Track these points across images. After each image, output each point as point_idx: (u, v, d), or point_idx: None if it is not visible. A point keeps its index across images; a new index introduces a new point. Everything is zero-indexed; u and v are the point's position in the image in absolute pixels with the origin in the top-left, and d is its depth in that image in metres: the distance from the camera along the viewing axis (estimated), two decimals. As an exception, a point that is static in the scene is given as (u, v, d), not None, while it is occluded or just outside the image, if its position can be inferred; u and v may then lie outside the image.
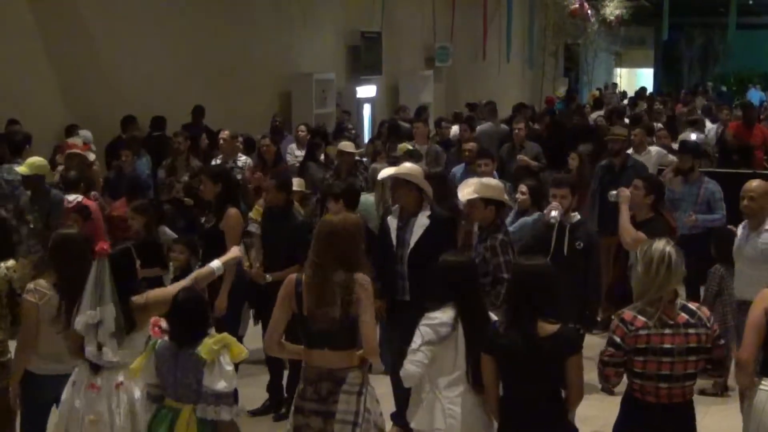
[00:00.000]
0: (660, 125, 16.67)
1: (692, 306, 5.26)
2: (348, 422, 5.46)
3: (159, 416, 5.44)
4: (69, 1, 14.01)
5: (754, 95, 32.57)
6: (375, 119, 20.56)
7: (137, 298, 5.75)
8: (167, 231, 9.30)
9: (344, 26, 20.80)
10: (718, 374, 5.65)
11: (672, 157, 12.47)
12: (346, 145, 12.12)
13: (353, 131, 16.84)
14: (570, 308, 6.74)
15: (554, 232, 7.65)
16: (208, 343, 5.27)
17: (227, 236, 8.05)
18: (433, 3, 23.65)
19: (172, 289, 5.83)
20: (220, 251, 6.83)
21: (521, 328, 5.30)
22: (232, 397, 5.33)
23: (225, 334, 5.40)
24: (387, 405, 7.02)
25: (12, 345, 6.37)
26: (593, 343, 7.24)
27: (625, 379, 5.33)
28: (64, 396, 5.79)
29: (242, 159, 12.35)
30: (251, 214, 9.54)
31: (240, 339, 7.64)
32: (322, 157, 13.24)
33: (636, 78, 42.15)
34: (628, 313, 5.21)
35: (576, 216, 7.88)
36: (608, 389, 7.85)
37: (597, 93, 29.85)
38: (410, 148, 12.36)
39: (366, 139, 17.52)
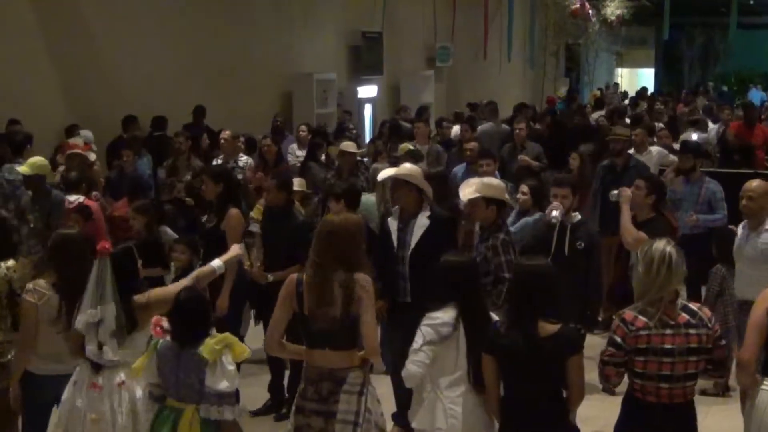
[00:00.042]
0: (661, 125, 16.66)
1: (693, 306, 5.26)
2: (349, 422, 5.46)
3: (161, 417, 5.43)
4: (70, 1, 14.01)
5: (755, 95, 32.57)
6: (376, 119, 20.56)
7: (139, 297, 5.75)
8: (168, 231, 9.30)
9: (345, 26, 20.79)
10: (719, 375, 5.65)
11: (673, 157, 12.46)
12: (348, 146, 12.12)
13: (354, 131, 16.84)
14: (571, 308, 6.74)
15: (555, 232, 7.65)
16: (210, 343, 5.27)
17: (228, 236, 8.06)
18: (434, 3, 23.64)
19: (174, 288, 5.83)
20: (221, 251, 6.83)
21: (522, 328, 5.30)
22: (235, 396, 5.34)
23: (227, 334, 5.39)
24: (388, 405, 7.02)
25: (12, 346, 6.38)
26: (594, 343, 7.23)
27: (626, 378, 5.33)
28: (65, 395, 5.80)
29: (243, 159, 12.36)
30: (252, 214, 9.54)
31: (241, 339, 7.63)
32: (323, 157, 13.24)
33: (637, 78, 42.11)
34: (628, 313, 5.21)
35: (577, 216, 7.88)
36: (609, 389, 7.86)
37: (598, 93, 29.83)
38: (411, 148, 12.37)
39: (367, 139, 17.52)
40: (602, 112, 20.34)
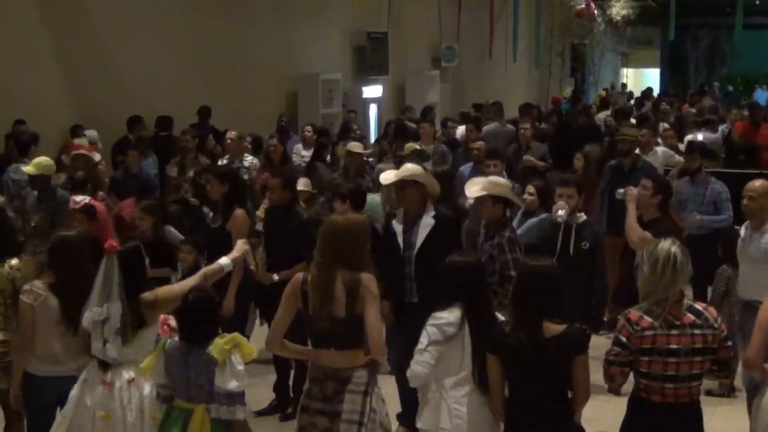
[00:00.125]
0: (666, 125, 16.65)
1: (699, 306, 5.25)
2: (354, 422, 5.46)
3: (171, 418, 5.43)
4: (74, 1, 14.03)
5: (761, 95, 32.51)
6: (381, 119, 20.56)
7: (147, 295, 5.76)
8: (173, 231, 9.30)
9: (350, 26, 20.80)
10: (725, 375, 5.64)
11: (678, 158, 12.46)
12: (355, 146, 12.13)
13: (358, 131, 16.85)
14: (576, 308, 6.74)
15: (560, 233, 7.66)
16: (219, 343, 5.27)
17: (234, 237, 8.04)
18: (439, 3, 23.64)
19: (181, 286, 5.84)
20: (226, 252, 6.84)
21: (527, 329, 5.30)
22: (244, 396, 5.34)
23: (236, 334, 5.40)
24: (393, 405, 7.01)
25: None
26: (599, 344, 7.22)
27: (631, 378, 5.32)
28: (72, 393, 5.79)
29: (248, 159, 12.37)
30: (258, 213, 9.54)
31: (246, 339, 7.63)
32: (328, 157, 13.26)
33: (642, 78, 42.09)
34: (634, 313, 5.20)
35: (582, 216, 7.89)
36: (615, 390, 7.85)
37: (603, 93, 29.79)
38: (417, 147, 12.37)
39: (372, 140, 17.52)
40: (608, 112, 20.32)
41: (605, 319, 9.03)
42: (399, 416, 7.60)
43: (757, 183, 7.63)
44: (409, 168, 7.82)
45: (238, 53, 16.95)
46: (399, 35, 22.39)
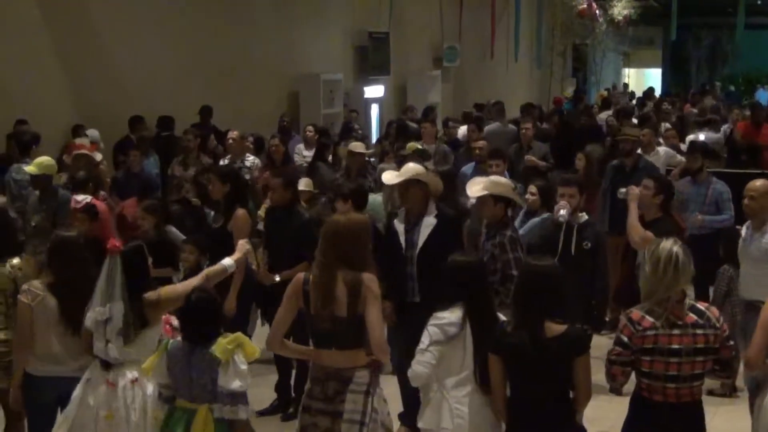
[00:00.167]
0: (668, 125, 16.65)
1: (701, 306, 5.24)
2: (355, 422, 5.45)
3: (174, 418, 5.43)
4: (76, 1, 14.03)
5: (763, 95, 32.50)
6: (383, 119, 20.56)
7: (150, 295, 5.76)
8: (173, 230, 9.31)
9: (352, 26, 20.80)
10: (726, 375, 5.63)
11: (680, 158, 12.46)
12: (357, 146, 12.14)
13: (360, 131, 16.85)
14: (577, 308, 6.73)
15: (562, 232, 7.66)
16: (222, 343, 5.28)
17: (236, 237, 8.03)
18: (440, 3, 23.64)
19: (184, 286, 5.84)
20: (228, 251, 6.83)
21: (529, 329, 5.29)
22: (246, 396, 5.34)
23: (239, 334, 5.41)
24: (395, 405, 7.01)
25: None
26: (601, 344, 7.21)
27: (633, 378, 5.32)
28: (75, 393, 5.79)
29: (250, 159, 12.37)
30: (260, 213, 9.54)
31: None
32: (330, 157, 13.26)
33: (644, 78, 42.09)
34: (636, 312, 5.19)
35: (584, 216, 7.89)
36: (616, 390, 7.85)
37: (605, 93, 29.80)
38: (419, 147, 12.37)
39: (374, 139, 17.52)
40: (609, 112, 20.33)
41: (607, 319, 9.02)
42: (401, 416, 7.60)
43: (758, 183, 7.62)
44: (413, 168, 7.81)
45: (239, 53, 16.96)
46: (400, 35, 22.40)
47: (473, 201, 8.57)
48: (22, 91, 12.85)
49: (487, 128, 15.68)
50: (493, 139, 14.37)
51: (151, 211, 8.79)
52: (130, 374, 5.72)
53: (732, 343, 5.30)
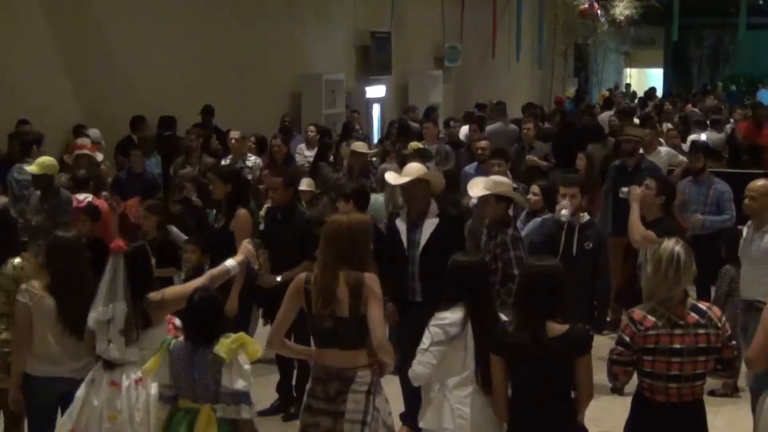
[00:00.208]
0: (670, 125, 16.65)
1: (703, 306, 5.24)
2: (357, 421, 5.45)
3: (176, 418, 5.42)
4: (79, 2, 14.03)
5: (764, 95, 32.48)
6: (384, 119, 20.56)
7: (153, 295, 5.77)
8: (174, 230, 9.32)
9: (354, 26, 20.79)
10: (729, 375, 5.63)
11: (682, 158, 12.45)
12: (359, 146, 12.14)
13: (360, 131, 16.85)
14: (579, 308, 6.73)
15: (563, 232, 7.66)
16: (225, 343, 5.28)
17: (237, 237, 8.05)
18: (442, 3, 23.63)
19: (188, 286, 5.84)
20: (228, 251, 6.83)
21: (530, 329, 5.29)
22: (250, 395, 5.34)
23: (241, 334, 5.41)
24: (397, 405, 7.01)
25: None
26: (603, 344, 7.21)
27: (635, 378, 5.32)
28: (78, 393, 5.79)
29: (252, 159, 12.37)
30: (262, 213, 9.54)
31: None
32: (332, 157, 13.26)
33: (646, 78, 42.06)
34: (637, 312, 5.19)
35: (585, 216, 7.89)
36: (618, 390, 7.86)
37: (607, 93, 29.80)
38: (420, 146, 12.37)
39: (375, 140, 17.51)
40: (611, 113, 20.32)
41: (608, 319, 9.02)
42: (402, 416, 7.60)
43: (759, 183, 7.61)
44: (417, 167, 7.79)
45: (241, 54, 16.95)
46: (402, 35, 22.39)
47: (475, 201, 8.58)
48: (23, 91, 12.85)
49: (488, 128, 15.68)
50: (495, 139, 14.37)
51: (154, 211, 8.80)
52: (134, 374, 5.72)
53: (734, 342, 5.30)
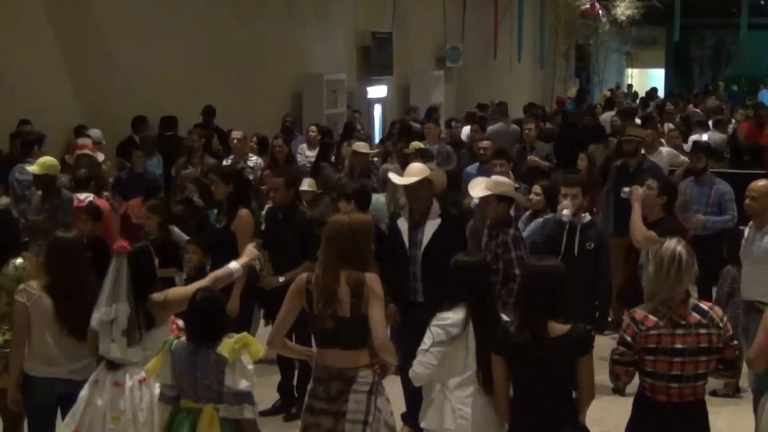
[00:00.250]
0: (671, 126, 16.64)
1: (704, 306, 5.24)
2: (358, 421, 5.46)
3: (179, 418, 5.42)
4: (80, 1, 14.03)
5: (766, 96, 32.48)
6: (386, 120, 20.56)
7: (157, 296, 5.77)
8: (176, 230, 9.32)
9: (355, 27, 20.79)
10: (730, 375, 5.63)
11: (683, 158, 12.44)
12: (361, 146, 12.14)
13: (362, 131, 16.84)
14: (580, 308, 6.73)
15: (565, 232, 7.67)
16: (228, 343, 5.27)
17: (239, 237, 8.05)
18: (444, 3, 23.62)
19: (192, 288, 5.84)
20: (229, 252, 6.83)
21: (532, 329, 5.29)
22: (253, 395, 5.34)
23: (244, 334, 5.41)
24: (398, 405, 7.01)
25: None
26: (604, 344, 7.21)
27: (637, 378, 5.31)
28: (82, 393, 5.78)
29: (253, 159, 12.37)
30: (263, 213, 9.53)
31: (252, 339, 7.64)
32: (333, 157, 13.25)
33: (647, 78, 42.04)
34: (639, 312, 5.19)
35: (587, 216, 7.90)
36: (620, 390, 7.86)
37: (608, 93, 29.79)
38: (422, 146, 12.36)
39: (377, 140, 17.50)
40: (613, 113, 20.31)
41: (610, 319, 9.01)
42: (404, 416, 7.60)
43: (760, 183, 7.61)
44: (420, 167, 7.79)
45: (242, 54, 16.95)
46: (404, 35, 22.39)
47: (476, 201, 8.57)
48: (24, 91, 12.85)
49: (490, 128, 15.68)
50: (497, 139, 14.36)
51: (156, 211, 8.81)
52: (138, 374, 5.72)
53: (735, 342, 5.30)
